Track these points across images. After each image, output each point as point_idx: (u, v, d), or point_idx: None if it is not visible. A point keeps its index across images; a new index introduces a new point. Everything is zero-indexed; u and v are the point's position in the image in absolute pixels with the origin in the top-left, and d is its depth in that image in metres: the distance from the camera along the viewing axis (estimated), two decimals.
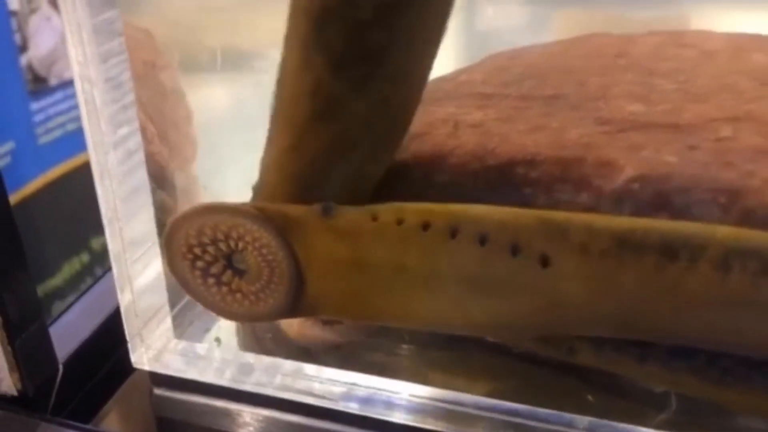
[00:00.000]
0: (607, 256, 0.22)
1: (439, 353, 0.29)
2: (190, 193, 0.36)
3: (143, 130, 0.28)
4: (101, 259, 0.42)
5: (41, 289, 0.40)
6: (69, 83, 0.39)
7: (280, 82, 0.25)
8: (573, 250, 0.22)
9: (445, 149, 0.26)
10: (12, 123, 0.36)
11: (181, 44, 0.44)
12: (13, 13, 0.37)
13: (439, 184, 0.26)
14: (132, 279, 0.28)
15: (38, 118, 0.40)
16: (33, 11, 0.37)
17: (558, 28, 0.39)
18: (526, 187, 0.25)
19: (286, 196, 0.25)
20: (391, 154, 0.27)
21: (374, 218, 0.24)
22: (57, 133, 0.40)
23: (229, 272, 0.26)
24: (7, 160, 0.37)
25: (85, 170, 0.29)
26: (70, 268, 0.43)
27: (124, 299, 0.28)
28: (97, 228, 0.29)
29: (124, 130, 0.28)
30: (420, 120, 0.28)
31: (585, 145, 0.25)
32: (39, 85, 0.38)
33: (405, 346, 0.30)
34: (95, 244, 0.42)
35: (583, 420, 0.25)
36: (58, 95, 0.39)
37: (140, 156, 0.28)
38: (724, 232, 0.22)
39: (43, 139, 0.40)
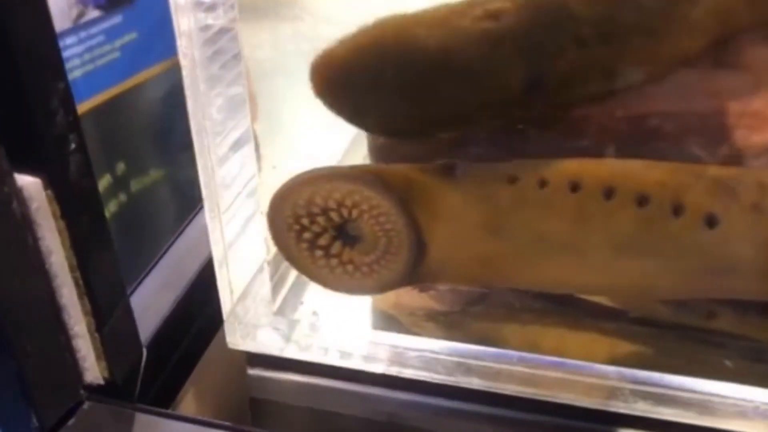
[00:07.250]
0: None
1: (552, 319, 0.27)
2: None
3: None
4: None
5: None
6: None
7: None
8: (743, 209, 0.20)
9: None
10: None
11: None
12: None
13: None
14: (228, 256, 0.25)
15: None
16: None
17: None
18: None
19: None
20: None
21: (511, 180, 0.21)
22: None
23: (338, 243, 0.23)
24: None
25: None
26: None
27: (222, 277, 0.25)
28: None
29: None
30: None
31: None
32: None
33: (512, 314, 0.28)
34: None
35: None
36: None
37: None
38: None
39: None
